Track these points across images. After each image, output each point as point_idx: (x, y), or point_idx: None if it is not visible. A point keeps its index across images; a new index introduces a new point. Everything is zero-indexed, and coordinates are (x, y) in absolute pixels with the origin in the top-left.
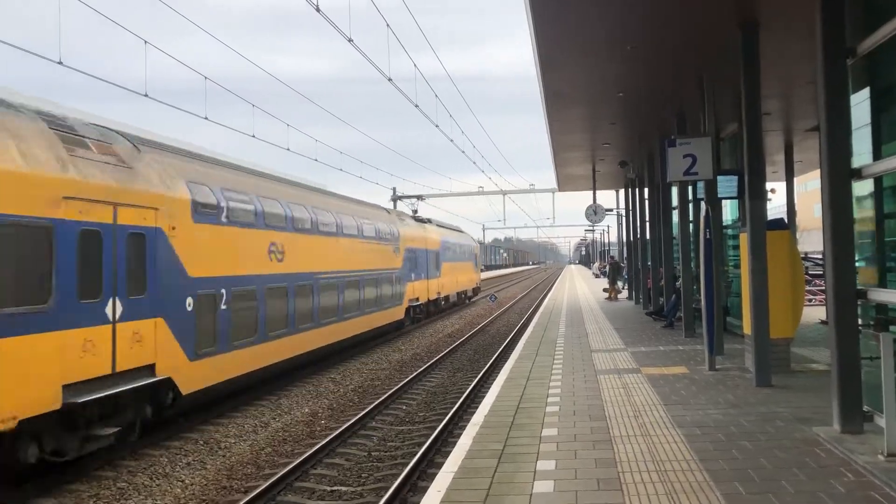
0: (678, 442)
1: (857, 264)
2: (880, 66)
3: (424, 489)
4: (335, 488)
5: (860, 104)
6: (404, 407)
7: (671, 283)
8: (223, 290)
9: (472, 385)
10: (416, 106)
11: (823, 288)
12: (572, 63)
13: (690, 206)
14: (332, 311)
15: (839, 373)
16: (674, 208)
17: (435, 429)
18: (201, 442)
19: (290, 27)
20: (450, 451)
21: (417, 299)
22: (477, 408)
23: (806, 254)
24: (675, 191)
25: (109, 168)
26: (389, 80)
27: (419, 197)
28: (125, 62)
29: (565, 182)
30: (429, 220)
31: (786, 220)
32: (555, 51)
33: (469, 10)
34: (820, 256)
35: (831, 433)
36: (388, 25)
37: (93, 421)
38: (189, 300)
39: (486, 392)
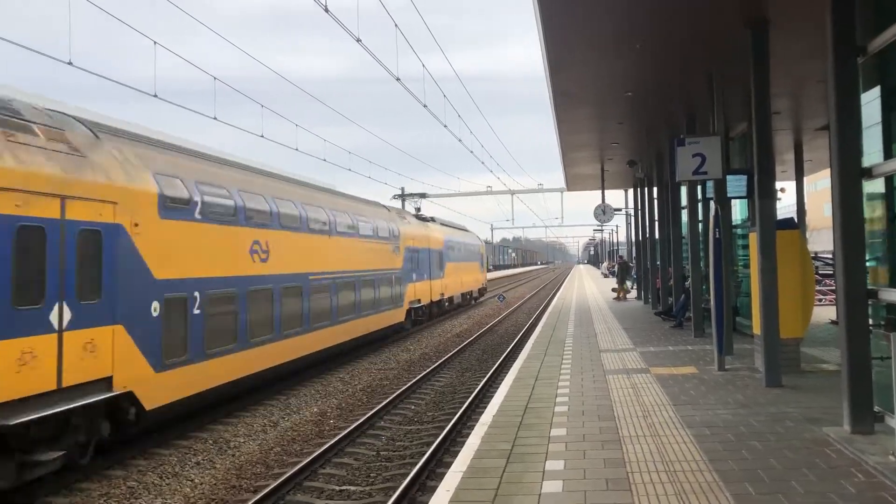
0: (687, 442)
1: (867, 264)
2: (891, 64)
3: (433, 489)
4: (344, 488)
5: (871, 103)
6: (413, 406)
7: (680, 283)
8: (196, 294)
9: (480, 385)
10: (425, 106)
11: (833, 288)
12: (581, 62)
13: (700, 205)
14: (324, 315)
15: (849, 373)
16: (683, 208)
17: (444, 428)
18: (210, 441)
19: (299, 27)
20: (458, 451)
21: (419, 301)
22: (485, 408)
23: (816, 253)
24: (684, 190)
25: (59, 157)
26: (398, 80)
27: (422, 195)
28: (134, 63)
29: (574, 182)
30: (432, 219)
31: (795, 220)
32: (563, 50)
33: (478, 11)
34: (830, 256)
35: (842, 434)
36: (396, 25)
37: (38, 443)
38: (155, 305)
39: (495, 392)
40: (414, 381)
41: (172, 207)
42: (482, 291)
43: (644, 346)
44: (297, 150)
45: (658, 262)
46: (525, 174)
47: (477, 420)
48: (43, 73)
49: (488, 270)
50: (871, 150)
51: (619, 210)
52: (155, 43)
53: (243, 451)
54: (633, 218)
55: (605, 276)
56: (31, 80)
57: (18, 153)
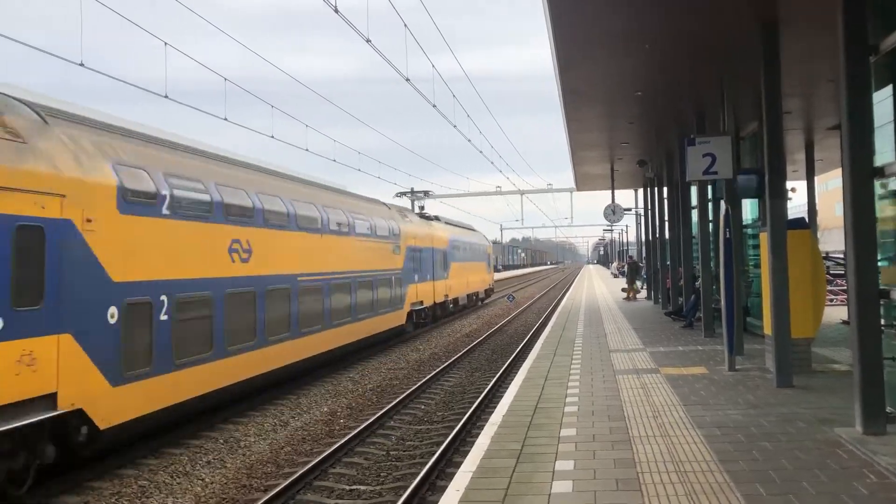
0: (698, 442)
1: (879, 264)
2: None
3: (443, 489)
4: (354, 487)
5: (882, 102)
6: (423, 406)
7: (690, 283)
8: (164, 298)
9: (490, 385)
10: (434, 106)
11: (845, 288)
12: (590, 61)
13: (710, 205)
14: (315, 319)
15: (861, 373)
16: (693, 207)
17: (453, 428)
18: (221, 440)
19: (309, 28)
20: (468, 451)
21: (421, 303)
22: (495, 408)
23: (827, 253)
24: (694, 190)
25: None
26: (407, 80)
27: (425, 193)
28: (145, 64)
29: (583, 181)
30: (436, 218)
31: (806, 220)
32: (572, 49)
33: (487, 11)
34: (841, 256)
35: (853, 434)
36: (405, 26)
37: None
38: (112, 311)
39: (505, 392)
40: (424, 380)
41: (135, 202)
42: (489, 292)
43: (654, 347)
44: (307, 150)
45: (668, 262)
46: (534, 174)
47: (486, 420)
48: (55, 75)
49: (498, 271)
50: (883, 149)
51: (629, 210)
52: (166, 44)
53: (254, 451)
54: (642, 218)
55: (615, 276)
56: (43, 82)
57: None
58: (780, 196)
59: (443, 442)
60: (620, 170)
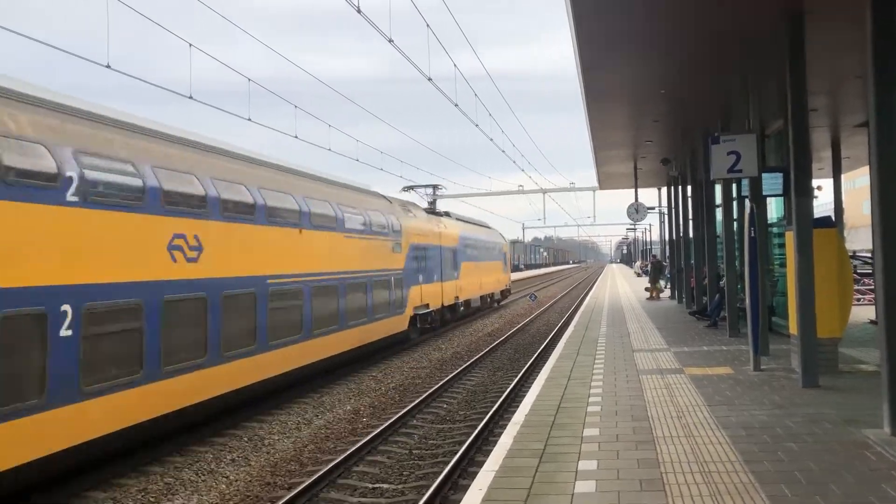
0: (722, 443)
1: None
2: None
3: (466, 487)
4: (377, 486)
5: None
6: (445, 405)
7: (715, 282)
8: (66, 308)
9: (512, 384)
10: (456, 105)
11: (872, 287)
12: (613, 60)
13: (734, 203)
14: (292, 329)
15: (890, 374)
16: (717, 206)
17: (476, 427)
18: (245, 438)
19: (332, 28)
20: (491, 450)
21: (427, 306)
22: (517, 407)
23: (854, 252)
24: (718, 188)
25: None
26: (429, 79)
27: (434, 187)
28: (170, 65)
29: (606, 180)
30: (446, 214)
31: (833, 218)
32: (595, 49)
33: (511, 10)
34: (869, 255)
35: (881, 436)
36: (427, 25)
37: None
38: None
39: (527, 391)
40: (446, 379)
41: (22, 184)
42: (505, 293)
43: (678, 346)
44: (329, 150)
45: (692, 261)
46: (557, 173)
47: (509, 419)
48: (81, 77)
49: (520, 270)
50: None
51: (653, 208)
52: (190, 45)
53: (278, 449)
54: (666, 216)
55: (638, 275)
56: (70, 84)
57: None
58: (806, 194)
59: (465, 441)
60: (644, 168)
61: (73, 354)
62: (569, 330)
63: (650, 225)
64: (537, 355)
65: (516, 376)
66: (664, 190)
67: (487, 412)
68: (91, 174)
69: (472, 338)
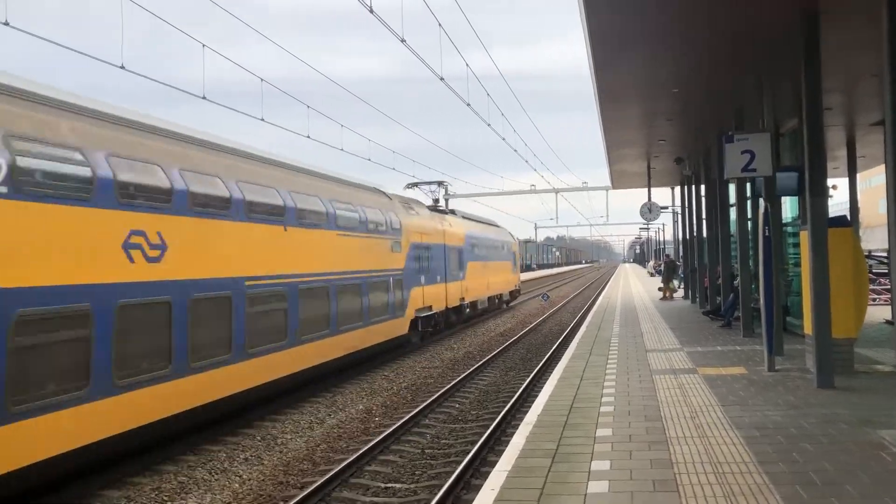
0: (736, 444)
1: None
2: None
3: (478, 487)
4: (389, 485)
5: None
6: (457, 405)
7: (729, 282)
8: None
9: (524, 384)
10: (468, 105)
11: (888, 287)
12: (626, 59)
13: (748, 203)
14: (275, 335)
15: None
16: (731, 205)
17: (488, 427)
18: (258, 437)
19: (344, 28)
20: (503, 450)
21: (430, 308)
22: (530, 407)
23: (870, 252)
24: (732, 188)
25: None
26: (441, 79)
27: (439, 183)
28: (183, 65)
29: (619, 179)
30: (451, 211)
31: (848, 217)
32: (608, 47)
33: (523, 10)
34: (884, 254)
35: None
36: (440, 25)
37: None
38: None
39: (539, 391)
40: (458, 379)
41: None
42: (514, 294)
43: (691, 346)
44: (342, 150)
45: (706, 261)
46: (569, 172)
47: (521, 419)
48: (95, 77)
49: (532, 269)
50: None
51: (666, 208)
52: (203, 46)
53: (290, 448)
54: (679, 216)
55: (652, 274)
56: (85, 85)
57: None
58: (821, 194)
59: (478, 441)
60: (657, 167)
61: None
62: (581, 330)
63: (663, 224)
64: (549, 355)
65: (528, 376)
66: (677, 189)
67: (500, 412)
68: (28, 162)
69: (484, 338)
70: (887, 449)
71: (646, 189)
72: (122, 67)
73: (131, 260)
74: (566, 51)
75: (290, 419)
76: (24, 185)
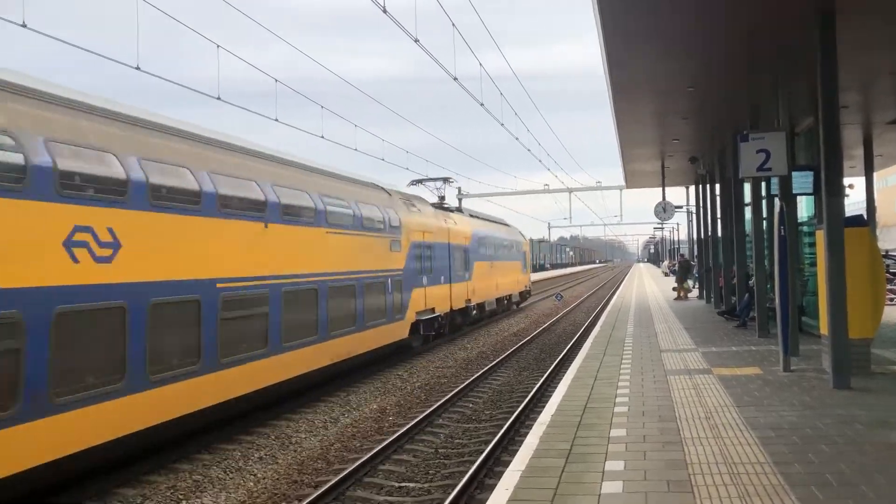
0: (751, 444)
1: None
2: None
3: (492, 487)
4: (403, 484)
5: None
6: (471, 405)
7: (744, 282)
8: None
9: (538, 384)
10: (482, 105)
11: None
12: (640, 57)
13: (764, 202)
14: (253, 342)
15: None
16: (746, 205)
17: (502, 427)
18: (273, 437)
19: (358, 28)
20: (517, 450)
21: (432, 310)
22: (544, 407)
23: (887, 251)
24: (747, 187)
25: None
26: (455, 79)
27: (445, 180)
28: (198, 66)
29: (633, 179)
30: (457, 209)
31: (865, 217)
32: (622, 45)
33: (537, 10)
34: None
35: None
36: (453, 25)
37: None
38: None
39: (553, 391)
40: (471, 379)
41: None
42: (524, 295)
43: (706, 347)
44: (356, 149)
45: (721, 261)
46: (583, 171)
47: (535, 419)
48: (112, 78)
49: (545, 269)
50: None
51: (680, 207)
52: (218, 46)
53: (305, 447)
54: (694, 215)
55: (666, 274)
56: (101, 85)
57: None
58: (837, 193)
59: (491, 440)
60: (671, 167)
61: None
62: (595, 330)
63: (678, 224)
64: (563, 355)
65: (542, 376)
66: (692, 188)
67: (513, 412)
68: None
69: (498, 338)
70: None
71: (660, 188)
72: (138, 68)
73: (75, 260)
74: (580, 50)
75: (304, 418)
76: None
